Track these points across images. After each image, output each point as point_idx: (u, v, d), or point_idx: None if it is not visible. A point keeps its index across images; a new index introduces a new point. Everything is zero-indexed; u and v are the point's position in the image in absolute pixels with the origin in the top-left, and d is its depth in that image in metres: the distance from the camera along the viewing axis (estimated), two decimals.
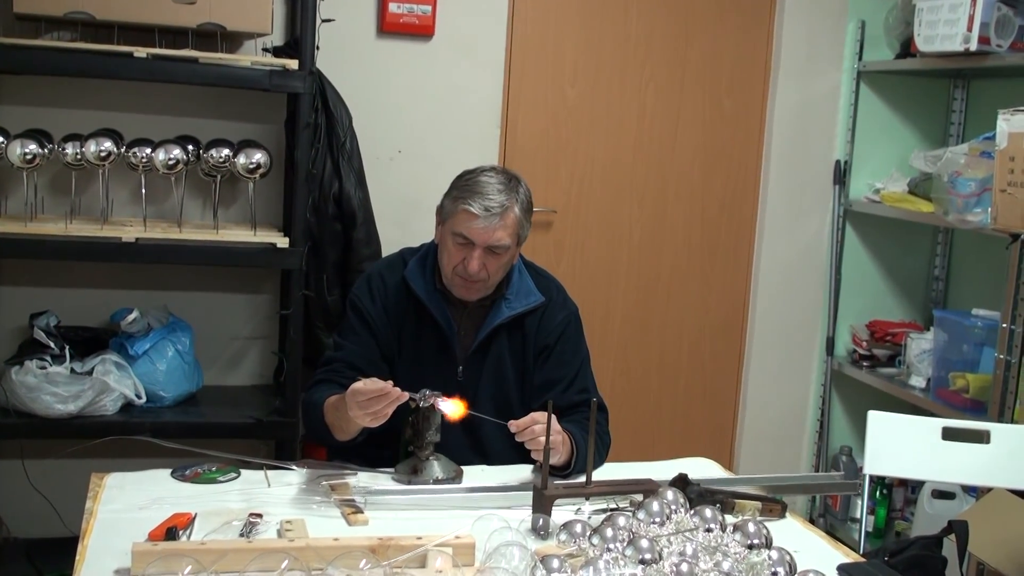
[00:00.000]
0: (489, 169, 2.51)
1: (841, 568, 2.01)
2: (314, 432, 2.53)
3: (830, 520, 4.28)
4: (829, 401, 4.38)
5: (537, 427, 2.25)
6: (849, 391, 4.38)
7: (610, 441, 2.61)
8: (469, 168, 2.53)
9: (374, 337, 2.56)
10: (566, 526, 1.96)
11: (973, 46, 3.49)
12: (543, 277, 2.69)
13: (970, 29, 3.48)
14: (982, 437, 2.80)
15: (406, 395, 2.21)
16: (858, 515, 4.07)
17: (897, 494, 4.19)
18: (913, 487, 4.11)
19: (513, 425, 2.27)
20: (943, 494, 3.67)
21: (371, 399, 2.18)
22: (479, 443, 2.57)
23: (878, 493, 4.13)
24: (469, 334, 2.58)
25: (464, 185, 2.48)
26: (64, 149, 3.21)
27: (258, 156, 3.28)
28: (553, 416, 2.20)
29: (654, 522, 1.94)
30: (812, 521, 4.21)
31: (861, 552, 2.73)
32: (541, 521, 2.04)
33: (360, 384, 2.20)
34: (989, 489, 2.85)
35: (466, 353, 2.58)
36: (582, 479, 2.20)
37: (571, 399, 2.58)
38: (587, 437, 2.25)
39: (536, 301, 2.60)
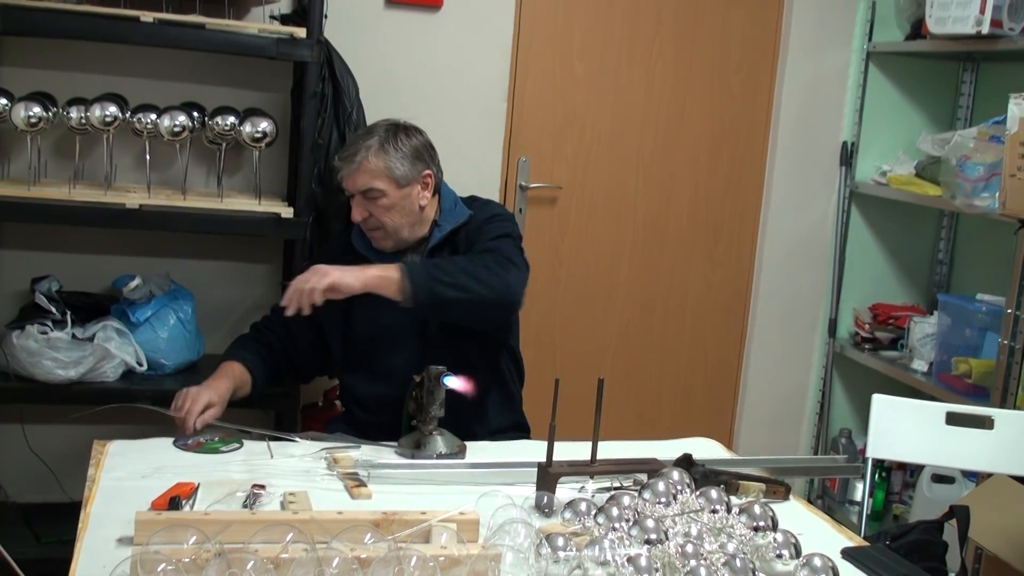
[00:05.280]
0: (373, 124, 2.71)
1: (845, 552, 2.01)
2: None
3: (828, 502, 4.28)
4: (830, 383, 4.37)
5: None
6: (851, 374, 4.37)
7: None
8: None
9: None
10: (571, 504, 1.95)
11: (985, 29, 3.46)
12: (477, 201, 2.84)
13: (983, 11, 3.45)
14: (985, 423, 2.79)
15: (191, 428, 2.38)
16: (857, 498, 4.09)
17: (896, 477, 4.19)
18: (912, 470, 4.11)
19: None
20: (943, 478, 3.67)
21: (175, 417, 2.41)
22: (478, 411, 2.63)
23: (877, 476, 4.13)
24: None
25: None
26: (68, 113, 3.18)
27: (264, 125, 3.26)
28: None
29: (659, 502, 1.93)
30: (810, 503, 4.21)
31: (862, 535, 2.73)
32: (545, 499, 2.04)
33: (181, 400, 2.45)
34: (990, 474, 2.85)
35: None
36: (586, 458, 2.19)
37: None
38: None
39: (463, 216, 2.73)
